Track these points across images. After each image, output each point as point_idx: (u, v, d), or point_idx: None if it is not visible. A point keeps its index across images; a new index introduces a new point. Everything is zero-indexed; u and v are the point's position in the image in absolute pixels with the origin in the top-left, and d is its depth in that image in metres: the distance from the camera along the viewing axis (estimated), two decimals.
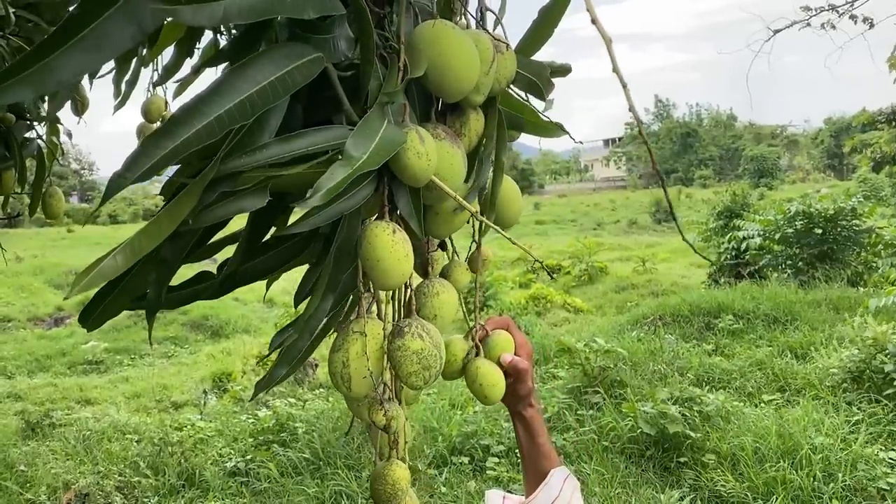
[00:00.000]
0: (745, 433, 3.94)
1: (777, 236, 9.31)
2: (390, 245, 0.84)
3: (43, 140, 2.40)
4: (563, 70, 1.06)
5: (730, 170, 59.80)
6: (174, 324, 12.06)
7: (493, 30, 0.98)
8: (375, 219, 0.88)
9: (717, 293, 8.03)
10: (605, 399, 4.83)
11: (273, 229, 0.97)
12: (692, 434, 3.97)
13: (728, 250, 10.35)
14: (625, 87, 0.87)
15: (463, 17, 1.01)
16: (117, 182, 0.69)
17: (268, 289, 1.06)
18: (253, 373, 7.78)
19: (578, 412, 4.80)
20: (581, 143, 1.15)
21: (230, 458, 4.86)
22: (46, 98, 2.40)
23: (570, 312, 11.18)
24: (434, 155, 0.86)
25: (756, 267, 9.58)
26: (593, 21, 0.87)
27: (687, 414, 4.20)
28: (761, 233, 9.53)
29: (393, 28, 0.91)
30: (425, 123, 0.93)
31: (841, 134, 48.58)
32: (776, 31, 11.85)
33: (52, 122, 2.39)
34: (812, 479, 3.46)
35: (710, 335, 6.79)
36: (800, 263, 8.96)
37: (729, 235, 10.27)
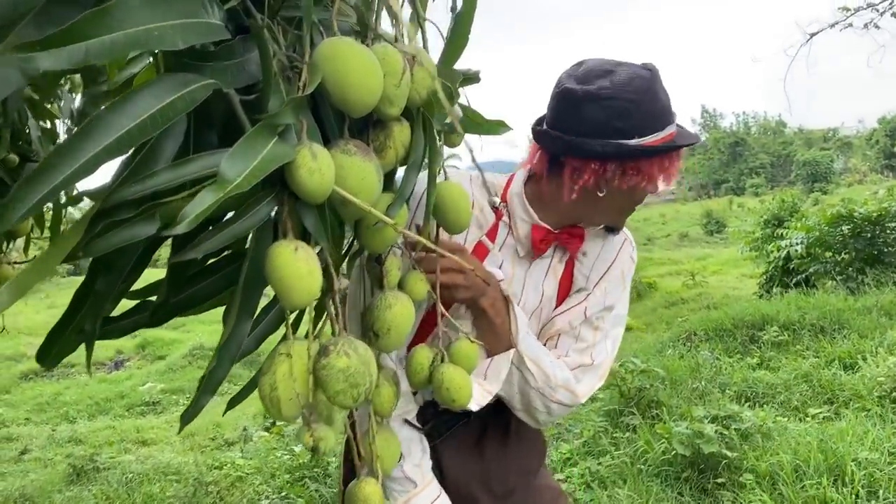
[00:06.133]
0: (786, 450, 3.74)
1: (817, 241, 8.91)
2: (292, 263, 0.82)
3: None
4: (473, 78, 1.05)
5: (782, 176, 58.37)
6: None
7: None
8: (279, 237, 0.87)
9: (761, 304, 7.72)
10: (641, 420, 4.67)
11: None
12: (728, 454, 3.79)
13: (777, 259, 9.99)
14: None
15: (374, 33, 1.00)
16: None
17: None
18: None
19: (614, 435, 4.65)
20: (511, 128, 1.11)
21: (265, 496, 4.87)
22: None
23: None
24: (329, 171, 0.84)
25: (804, 275, 9.19)
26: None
27: (724, 433, 4.02)
28: (802, 240, 9.15)
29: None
30: (338, 140, 0.92)
31: None
32: (812, 35, 11.59)
33: None
34: (854, 496, 3.24)
35: (754, 348, 6.53)
36: (849, 269, 8.55)
37: (773, 244, 9.91)
